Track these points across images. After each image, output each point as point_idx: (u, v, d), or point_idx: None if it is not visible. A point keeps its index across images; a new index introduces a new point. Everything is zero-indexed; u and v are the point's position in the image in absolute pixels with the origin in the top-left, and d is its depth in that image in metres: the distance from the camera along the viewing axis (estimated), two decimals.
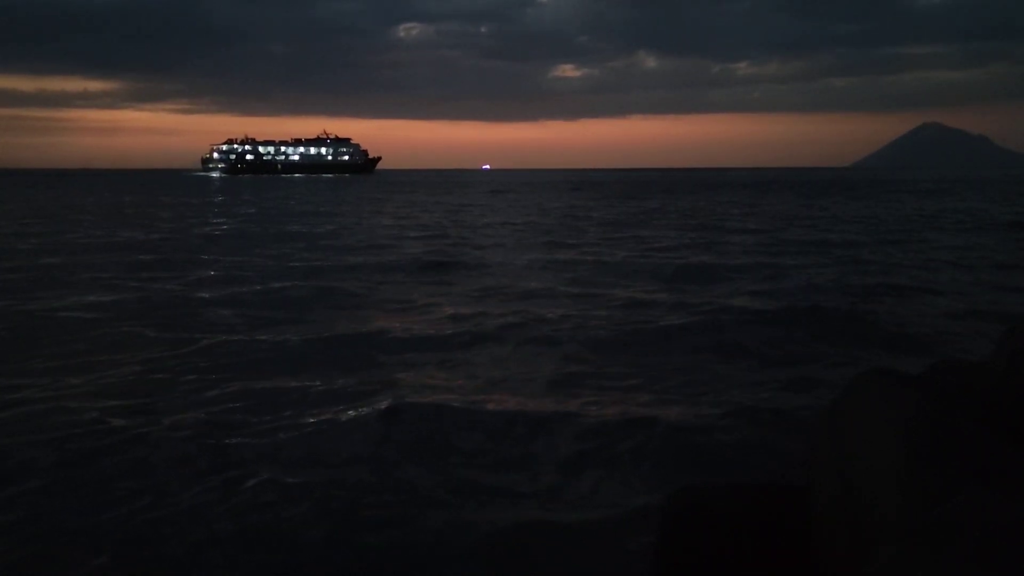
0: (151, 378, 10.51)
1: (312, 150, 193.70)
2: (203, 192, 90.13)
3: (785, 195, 74.77)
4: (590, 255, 24.63)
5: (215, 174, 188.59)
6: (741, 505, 3.40)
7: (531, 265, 22.55)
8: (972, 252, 24.90)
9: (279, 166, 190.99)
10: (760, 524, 3.27)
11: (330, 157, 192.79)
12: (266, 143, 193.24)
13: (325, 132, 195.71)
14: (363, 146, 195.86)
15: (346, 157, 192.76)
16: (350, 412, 8.99)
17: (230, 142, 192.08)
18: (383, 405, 9.17)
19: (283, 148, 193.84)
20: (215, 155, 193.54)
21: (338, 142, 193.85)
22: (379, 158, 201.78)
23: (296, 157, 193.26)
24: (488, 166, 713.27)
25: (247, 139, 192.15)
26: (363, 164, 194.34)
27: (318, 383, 10.24)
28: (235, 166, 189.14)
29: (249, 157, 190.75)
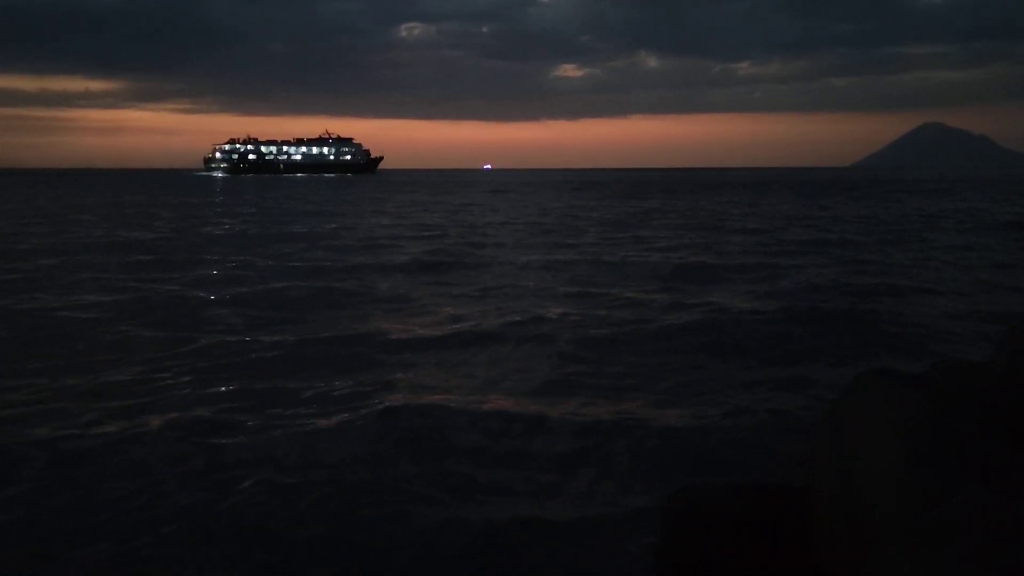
0: (149, 378, 10.49)
1: (314, 150, 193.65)
2: (205, 192, 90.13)
3: (786, 195, 74.74)
4: (590, 255, 24.61)
5: (218, 174, 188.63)
6: (741, 505, 3.39)
7: (531, 265, 22.53)
8: (972, 252, 24.88)
9: (281, 166, 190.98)
10: (760, 524, 3.27)
11: (332, 157, 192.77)
12: (268, 143, 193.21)
13: (327, 132, 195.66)
14: (365, 146, 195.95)
15: (348, 157, 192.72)
16: (348, 412, 8.97)
17: (232, 142, 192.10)
18: (381, 405, 9.16)
19: (285, 148, 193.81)
20: (218, 155, 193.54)
21: (340, 142, 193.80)
22: (381, 158, 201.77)
23: (298, 157, 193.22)
24: (489, 166, 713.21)
25: (249, 139, 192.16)
26: (365, 164, 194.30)
27: (316, 383, 10.23)
28: (237, 166, 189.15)
29: (251, 157, 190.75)
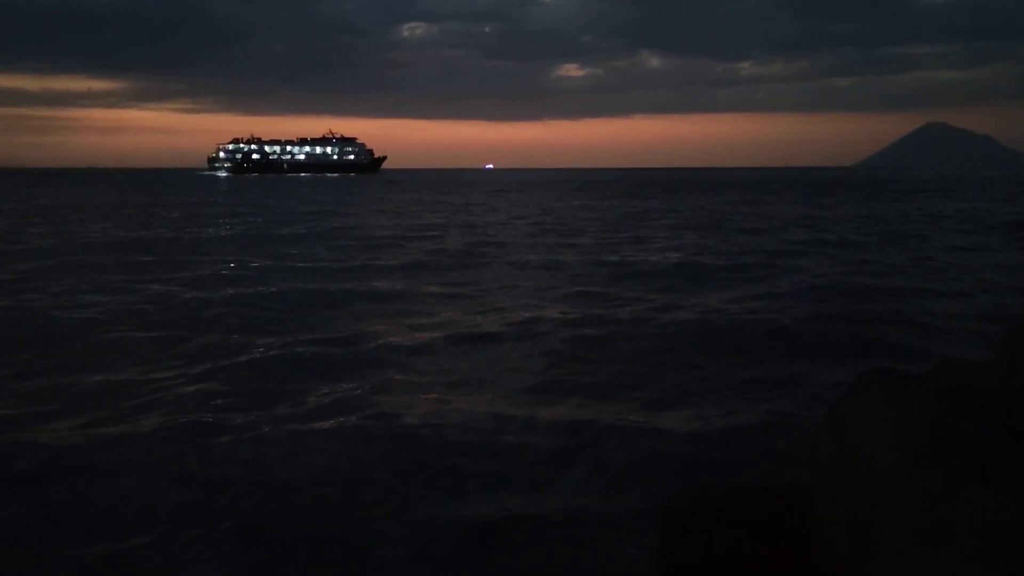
0: (146, 379, 10.49)
1: (318, 149, 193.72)
2: (209, 192, 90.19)
3: (788, 195, 74.70)
4: (589, 255, 24.60)
5: (221, 173, 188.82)
6: (742, 505, 3.39)
7: (530, 265, 22.53)
8: (973, 252, 24.86)
9: (285, 165, 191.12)
10: (761, 524, 3.27)
11: (335, 156, 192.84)
12: (272, 142, 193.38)
13: (331, 132, 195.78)
14: (368, 145, 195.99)
15: (351, 156, 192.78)
16: (344, 413, 8.96)
17: (236, 141, 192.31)
18: (377, 406, 9.18)
19: (289, 147, 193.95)
20: (221, 154, 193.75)
21: (343, 141, 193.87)
22: (384, 157, 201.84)
23: (302, 156, 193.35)
24: (491, 165, 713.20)
25: (253, 138, 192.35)
26: (368, 163, 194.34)
27: (313, 383, 10.22)
28: (241, 165, 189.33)
29: (255, 157, 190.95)
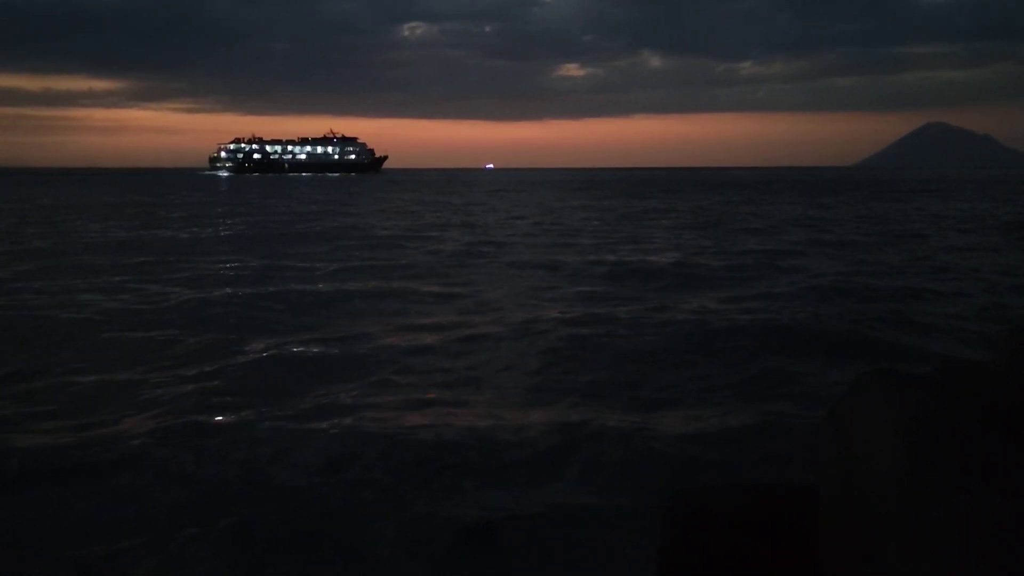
0: (143, 379, 10.49)
1: (319, 149, 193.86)
2: (209, 191, 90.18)
3: (789, 195, 74.69)
4: (589, 256, 24.55)
5: (222, 173, 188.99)
6: (743, 505, 3.40)
7: (528, 266, 22.48)
8: (974, 252, 24.85)
9: (286, 165, 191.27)
10: (762, 524, 3.27)
11: (337, 156, 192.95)
12: (273, 142, 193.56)
13: (332, 131, 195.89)
14: (369, 145, 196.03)
15: (353, 156, 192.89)
16: (342, 414, 8.96)
17: (237, 141, 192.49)
18: (374, 407, 9.19)
19: (290, 147, 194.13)
20: (223, 154, 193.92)
21: (345, 141, 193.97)
22: (385, 157, 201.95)
23: (303, 156, 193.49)
24: (491, 165, 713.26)
25: (254, 138, 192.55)
26: (370, 163, 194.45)
27: (309, 384, 10.22)
28: (242, 165, 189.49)
29: (256, 156, 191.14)
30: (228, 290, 17.79)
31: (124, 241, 30.00)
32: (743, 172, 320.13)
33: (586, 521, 6.35)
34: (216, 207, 56.74)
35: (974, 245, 27.15)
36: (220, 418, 8.77)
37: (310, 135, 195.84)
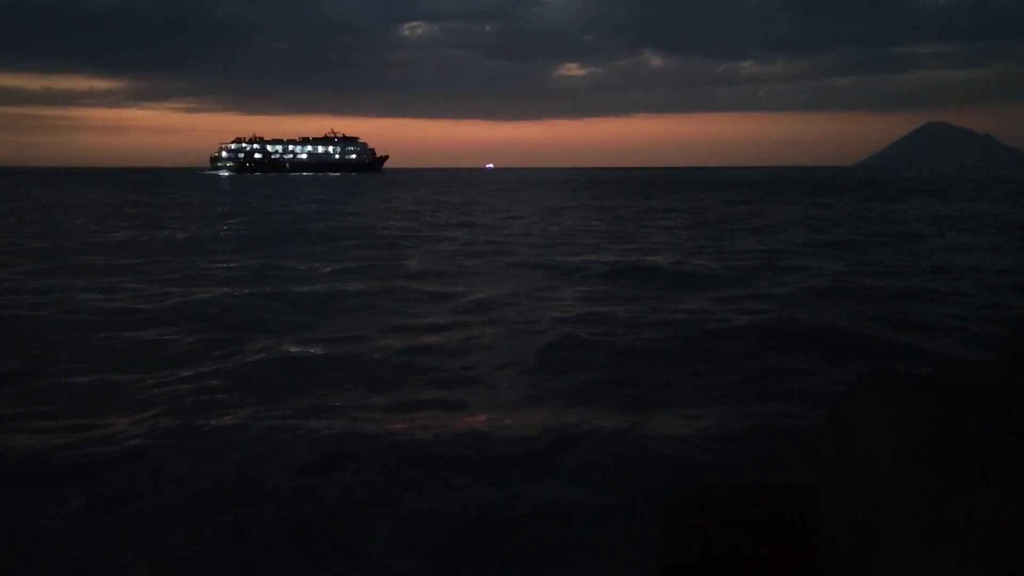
0: (139, 380, 10.46)
1: (320, 149, 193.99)
2: (210, 191, 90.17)
3: (789, 195, 74.67)
4: (588, 255, 24.53)
5: (223, 173, 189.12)
6: (744, 505, 3.40)
7: (528, 265, 22.46)
8: (974, 252, 24.84)
9: (287, 165, 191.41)
10: (763, 524, 3.27)
11: (338, 156, 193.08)
12: (274, 142, 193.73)
13: (333, 131, 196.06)
14: (369, 145, 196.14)
15: (353, 156, 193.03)
16: (336, 414, 8.95)
17: (239, 141, 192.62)
18: (370, 407, 9.19)
19: (291, 147, 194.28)
20: (224, 154, 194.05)
21: (346, 141, 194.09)
22: (386, 156, 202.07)
23: (304, 156, 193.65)
24: (491, 165, 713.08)
25: (255, 138, 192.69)
26: (370, 163, 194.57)
27: (304, 385, 10.19)
28: (243, 165, 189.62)
29: (257, 156, 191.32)
30: (226, 290, 17.78)
31: (123, 241, 30.00)
32: (743, 172, 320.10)
33: (585, 520, 6.35)
34: (217, 207, 56.75)
35: (974, 245, 27.14)
36: (216, 418, 8.74)
37: (311, 135, 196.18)
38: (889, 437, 2.36)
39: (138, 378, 10.47)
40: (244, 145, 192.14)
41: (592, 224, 38.60)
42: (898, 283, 18.21)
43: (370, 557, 5.84)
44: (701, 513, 3.48)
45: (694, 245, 27.91)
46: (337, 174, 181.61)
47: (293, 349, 12.08)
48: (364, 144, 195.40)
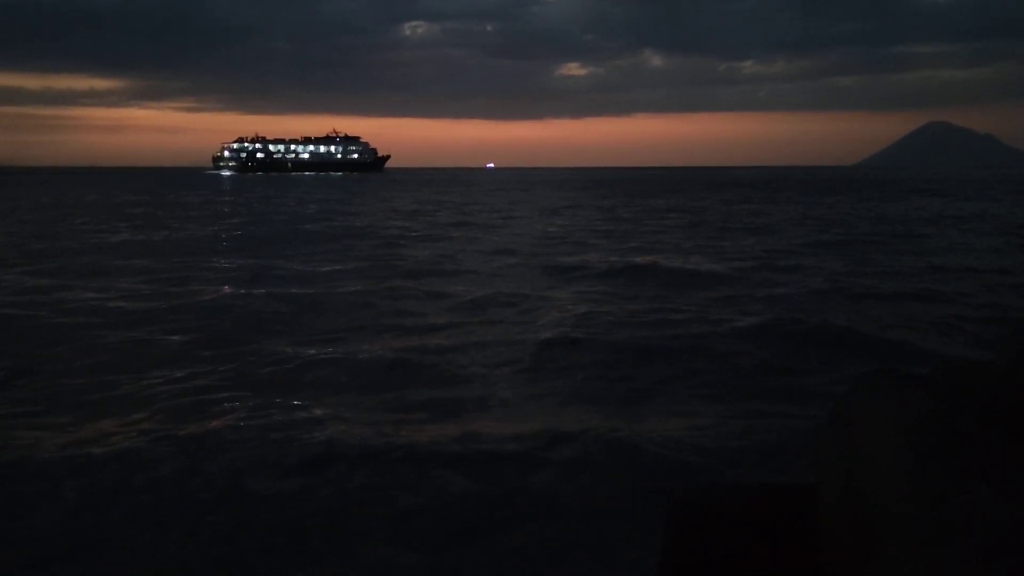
0: (136, 381, 10.45)
1: (322, 148, 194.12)
2: (212, 191, 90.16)
3: (790, 194, 74.65)
4: (588, 255, 24.50)
5: (225, 172, 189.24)
6: (744, 505, 3.40)
7: (527, 266, 22.42)
8: (975, 252, 24.83)
9: (289, 164, 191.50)
10: (764, 524, 3.27)
11: (340, 155, 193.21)
12: (276, 141, 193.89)
13: (335, 131, 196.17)
14: (371, 144, 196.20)
15: (355, 155, 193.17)
16: (333, 415, 8.96)
17: (241, 140, 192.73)
18: (367, 409, 9.19)
19: (293, 146, 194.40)
20: (226, 153, 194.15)
21: (347, 140, 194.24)
22: (388, 156, 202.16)
23: (306, 155, 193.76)
24: (492, 165, 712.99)
25: (257, 138, 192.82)
26: (372, 162, 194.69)
27: (300, 386, 10.14)
28: (246, 164, 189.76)
29: (260, 156, 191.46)
30: (224, 290, 17.75)
31: (123, 241, 30.00)
32: (744, 171, 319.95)
33: (584, 520, 6.34)
34: (217, 207, 56.74)
35: (974, 245, 27.12)
36: (211, 418, 8.73)
37: (312, 134, 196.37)
38: (890, 437, 2.36)
39: (134, 378, 10.46)
40: (246, 145, 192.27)
41: (592, 224, 38.59)
42: (898, 283, 18.20)
43: (366, 556, 5.84)
44: (702, 513, 3.47)
45: (694, 245, 27.90)
46: (339, 174, 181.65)
47: (289, 349, 12.05)
48: (366, 144, 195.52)
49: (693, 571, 3.34)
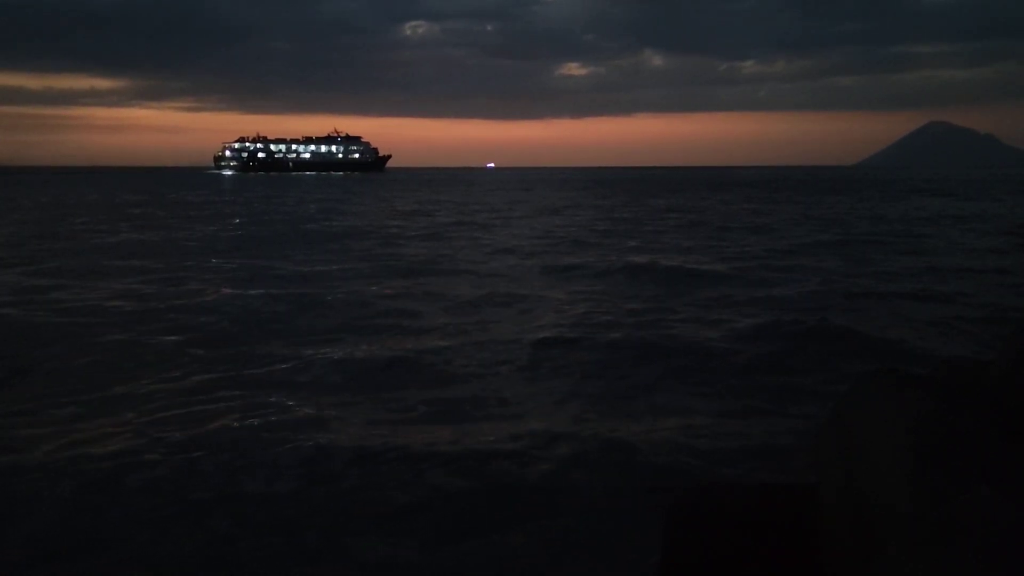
0: (131, 381, 10.44)
1: (323, 148, 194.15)
2: (214, 190, 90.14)
3: (790, 194, 74.62)
4: (588, 256, 24.43)
5: (227, 172, 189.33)
6: (745, 504, 3.39)
7: (526, 267, 22.37)
8: (975, 252, 24.83)
9: (290, 164, 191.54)
10: (764, 523, 3.27)
11: (341, 155, 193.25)
12: (277, 141, 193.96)
13: (336, 130, 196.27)
14: (372, 144, 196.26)
15: (357, 155, 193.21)
16: (331, 417, 8.95)
17: (242, 140, 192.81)
18: (364, 410, 9.18)
19: (294, 146, 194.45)
20: (227, 153, 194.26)
21: (349, 140, 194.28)
22: (389, 156, 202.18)
23: (307, 155, 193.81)
24: (492, 164, 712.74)
25: (259, 137, 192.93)
26: (373, 162, 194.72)
27: (296, 388, 10.11)
28: (247, 164, 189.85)
29: (261, 155, 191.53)
30: (224, 290, 17.70)
31: (123, 241, 30.00)
32: (744, 171, 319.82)
33: (584, 520, 6.34)
34: (218, 206, 56.74)
35: (974, 245, 27.12)
36: (207, 419, 8.71)
37: (313, 134, 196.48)
38: (890, 437, 2.36)
39: (131, 378, 10.45)
40: (248, 144, 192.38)
41: (591, 223, 38.59)
42: (898, 283, 18.20)
43: (364, 555, 5.84)
44: (702, 513, 3.48)
45: (693, 244, 27.89)
46: (340, 173, 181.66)
47: (286, 349, 12.03)
48: (367, 143, 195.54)
49: (693, 571, 3.34)
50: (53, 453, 7.70)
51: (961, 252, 24.81)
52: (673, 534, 3.37)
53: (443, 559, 5.77)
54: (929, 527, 1.82)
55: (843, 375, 10.00)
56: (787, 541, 3.16)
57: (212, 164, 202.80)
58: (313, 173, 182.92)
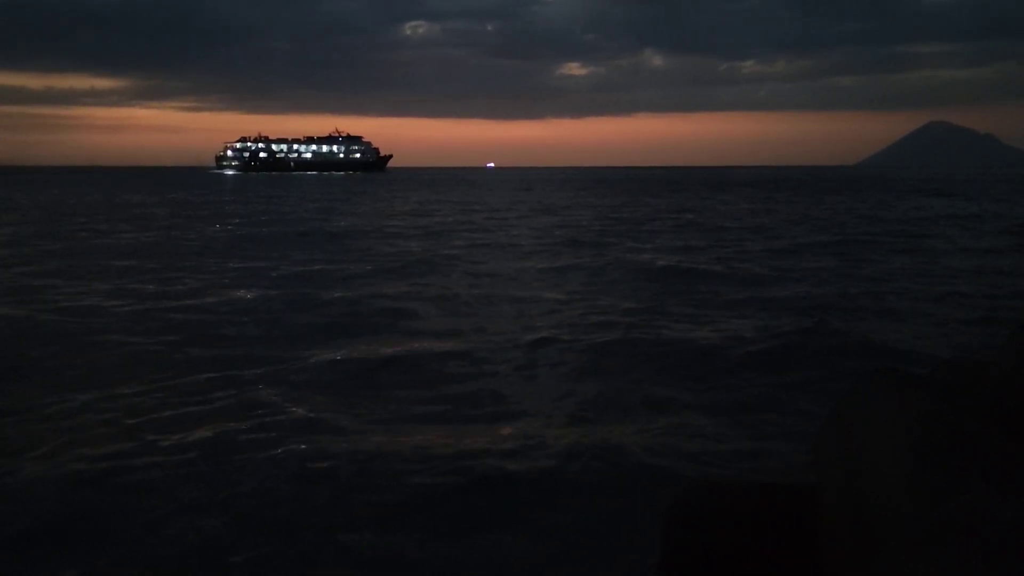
0: (128, 383, 10.41)
1: (324, 148, 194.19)
2: (214, 190, 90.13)
3: (790, 194, 74.62)
4: (588, 257, 24.40)
5: (228, 172, 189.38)
6: (745, 504, 3.39)
7: (525, 271, 22.16)
8: (975, 252, 24.81)
9: (292, 164, 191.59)
10: (765, 523, 3.26)
11: (342, 155, 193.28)
12: (279, 141, 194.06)
13: (337, 130, 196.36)
14: (373, 144, 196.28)
15: (358, 155, 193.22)
16: (330, 417, 8.94)
17: (243, 140, 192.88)
18: (360, 412, 9.16)
19: (296, 146, 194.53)
20: (229, 153, 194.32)
21: (350, 140, 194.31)
22: (390, 156, 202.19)
23: (308, 155, 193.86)
24: (493, 164, 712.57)
25: (260, 137, 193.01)
26: (375, 162, 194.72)
27: (294, 389, 10.09)
28: (249, 164, 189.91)
29: (262, 155, 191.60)
30: (223, 291, 17.72)
31: (123, 241, 29.99)
32: (745, 171, 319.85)
33: (584, 520, 6.33)
34: (218, 206, 56.73)
35: (975, 245, 27.11)
36: (205, 420, 8.72)
37: (313, 134, 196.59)
38: (891, 437, 2.35)
39: (129, 378, 10.45)
40: (249, 144, 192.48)
41: (591, 223, 38.58)
42: (898, 283, 18.19)
43: (362, 555, 5.83)
44: (702, 512, 3.47)
45: (692, 244, 27.88)
46: (342, 173, 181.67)
47: (283, 350, 12.02)
48: (368, 143, 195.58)
49: (692, 571, 3.33)
50: (50, 452, 7.71)
51: (961, 252, 24.80)
52: (671, 534, 3.36)
53: (440, 558, 5.76)
54: (929, 527, 1.81)
55: (842, 375, 9.99)
56: (786, 541, 3.15)
57: (214, 164, 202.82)
58: (315, 173, 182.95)
